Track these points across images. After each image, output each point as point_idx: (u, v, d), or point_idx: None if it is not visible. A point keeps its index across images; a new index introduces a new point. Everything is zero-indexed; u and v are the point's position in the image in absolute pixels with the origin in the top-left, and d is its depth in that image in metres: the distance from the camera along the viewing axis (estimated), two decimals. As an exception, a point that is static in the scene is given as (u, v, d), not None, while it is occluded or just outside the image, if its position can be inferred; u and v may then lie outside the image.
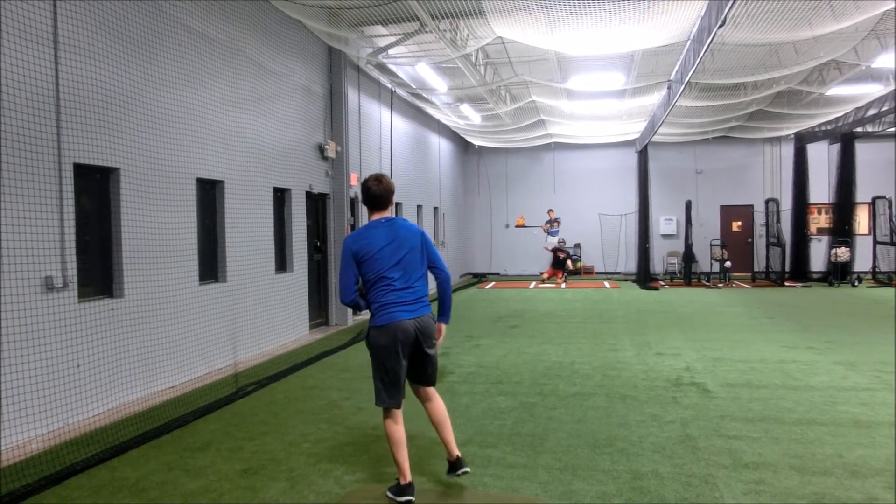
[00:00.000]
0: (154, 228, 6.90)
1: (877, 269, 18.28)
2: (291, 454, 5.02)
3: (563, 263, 20.07)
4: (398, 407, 4.13)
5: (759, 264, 20.41)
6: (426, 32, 9.74)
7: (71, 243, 5.84)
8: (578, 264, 22.52)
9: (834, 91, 14.57)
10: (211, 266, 8.24)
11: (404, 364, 4.10)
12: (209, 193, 8.24)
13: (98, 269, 6.45)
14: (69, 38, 5.77)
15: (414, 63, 12.46)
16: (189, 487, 4.38)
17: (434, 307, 4.27)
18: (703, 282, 19.21)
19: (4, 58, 5.12)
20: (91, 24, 6.04)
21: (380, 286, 4.07)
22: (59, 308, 5.63)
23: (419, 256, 4.18)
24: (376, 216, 4.22)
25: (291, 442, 5.31)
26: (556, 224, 22.19)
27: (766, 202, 19.95)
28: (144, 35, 6.80)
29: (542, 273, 20.97)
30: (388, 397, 4.10)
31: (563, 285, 19.18)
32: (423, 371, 4.24)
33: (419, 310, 4.11)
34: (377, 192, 4.17)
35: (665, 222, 22.06)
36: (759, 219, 20.80)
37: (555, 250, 20.37)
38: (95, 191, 6.42)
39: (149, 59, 6.86)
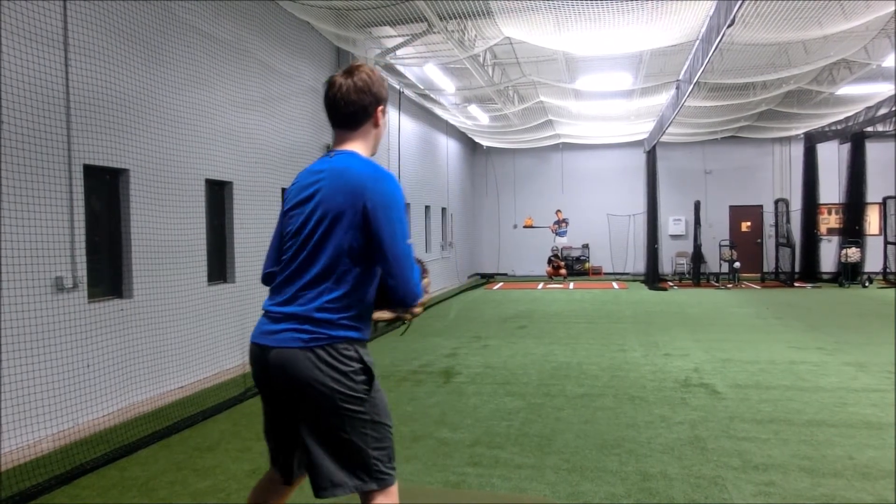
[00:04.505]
0: (163, 229, 6.94)
1: (888, 270, 18.15)
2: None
3: (557, 267, 20.78)
4: (276, 471, 2.51)
5: (769, 265, 20.30)
6: (434, 33, 9.74)
7: (81, 244, 5.87)
8: (587, 265, 22.57)
9: (844, 90, 14.47)
10: (220, 267, 8.28)
11: (273, 413, 2.44)
12: (218, 194, 8.27)
13: (108, 270, 6.49)
14: (79, 40, 5.81)
15: (422, 64, 12.48)
16: (198, 487, 4.40)
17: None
18: (712, 282, 19.15)
19: (16, 60, 5.16)
20: (101, 27, 6.08)
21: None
22: (69, 308, 5.66)
23: (348, 234, 2.24)
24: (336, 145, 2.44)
25: (299, 442, 5.32)
26: (563, 224, 22.20)
27: (776, 202, 19.85)
28: (154, 37, 6.84)
29: (548, 273, 21.19)
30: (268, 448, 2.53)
31: (571, 285, 19.21)
32: (292, 454, 2.44)
33: (291, 336, 2.23)
34: (329, 97, 2.38)
35: (674, 223, 21.98)
36: (769, 219, 20.70)
37: (551, 258, 21.04)
38: (105, 192, 6.46)
39: (158, 60, 6.90)
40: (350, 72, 2.37)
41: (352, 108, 2.35)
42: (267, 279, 2.51)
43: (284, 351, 2.24)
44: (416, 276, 2.30)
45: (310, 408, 2.25)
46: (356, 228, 2.23)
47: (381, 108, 2.43)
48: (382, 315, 2.49)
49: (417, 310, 2.51)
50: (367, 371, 2.31)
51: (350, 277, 2.27)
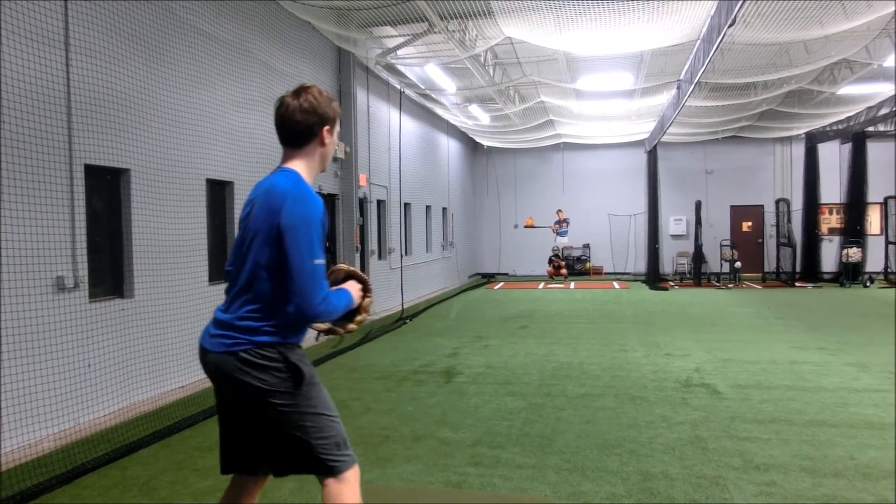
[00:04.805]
0: (164, 229, 6.94)
1: (889, 270, 18.13)
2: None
3: (558, 267, 20.80)
4: (225, 471, 2.65)
5: (770, 265, 20.29)
6: (435, 33, 9.74)
7: (82, 244, 5.88)
8: (588, 265, 22.58)
9: (845, 90, 14.46)
10: (220, 266, 8.27)
11: (226, 412, 2.61)
12: (219, 194, 8.27)
13: (109, 270, 6.49)
14: (80, 40, 5.81)
15: (423, 64, 12.48)
16: (199, 486, 4.40)
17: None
18: (713, 282, 19.13)
19: (17, 60, 5.16)
20: (102, 27, 6.08)
21: None
22: (70, 308, 5.67)
23: (264, 250, 2.39)
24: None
25: (300, 442, 5.32)
26: (564, 224, 22.19)
27: (777, 202, 19.84)
28: (155, 37, 6.84)
29: (549, 273, 21.20)
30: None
31: (572, 285, 19.21)
32: (247, 446, 2.56)
33: (219, 341, 2.44)
34: (277, 116, 2.52)
35: (675, 223, 21.98)
36: (770, 219, 20.68)
37: (552, 258, 21.07)
38: (106, 191, 6.46)
39: (159, 60, 6.90)
40: (298, 93, 2.50)
41: (296, 127, 2.49)
42: (225, 275, 2.64)
43: (216, 355, 2.45)
44: (319, 296, 2.37)
45: (247, 405, 2.45)
46: (273, 245, 2.38)
47: (326, 128, 2.54)
48: (318, 325, 2.63)
49: (352, 326, 2.70)
50: (292, 369, 2.43)
51: (268, 290, 2.41)
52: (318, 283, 2.36)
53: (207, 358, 2.49)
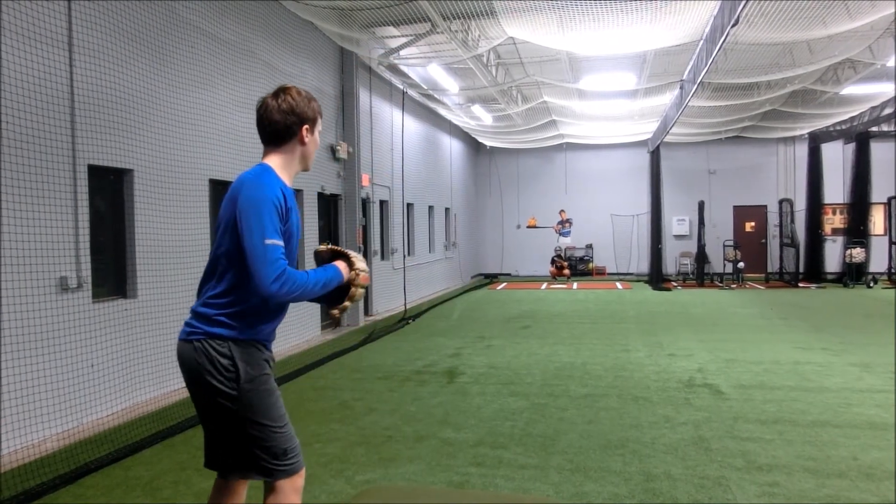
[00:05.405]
0: (167, 229, 6.95)
1: (892, 270, 18.09)
2: (303, 454, 5.02)
3: (561, 267, 20.76)
4: (208, 467, 2.67)
5: (773, 265, 20.26)
6: (438, 33, 9.74)
7: (85, 244, 5.89)
8: (590, 265, 22.56)
9: (849, 90, 14.44)
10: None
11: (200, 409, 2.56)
12: (222, 194, 8.26)
13: (112, 270, 6.51)
14: (84, 40, 5.82)
15: (425, 64, 12.48)
16: (202, 486, 4.40)
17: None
18: (716, 282, 19.11)
19: (20, 60, 5.17)
20: (105, 27, 6.10)
21: None
22: (73, 308, 5.68)
23: (226, 237, 2.44)
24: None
25: (303, 442, 5.27)
26: (567, 225, 22.17)
27: (780, 202, 19.81)
28: (158, 38, 6.85)
29: (551, 273, 21.19)
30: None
31: (574, 285, 19.20)
32: (212, 443, 2.60)
33: (184, 329, 2.50)
34: (257, 116, 2.59)
35: (677, 223, 21.95)
36: (773, 219, 20.66)
37: (554, 258, 21.08)
38: (109, 192, 6.47)
39: (162, 61, 6.92)
40: (277, 94, 2.56)
41: (274, 126, 2.54)
42: None
43: (180, 343, 2.50)
44: (273, 274, 2.33)
45: (199, 398, 2.48)
46: (232, 232, 2.41)
47: (305, 127, 2.58)
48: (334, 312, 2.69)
49: (346, 303, 2.67)
50: (236, 369, 2.43)
51: (229, 276, 2.44)
52: (272, 262, 2.33)
53: (180, 347, 2.51)
